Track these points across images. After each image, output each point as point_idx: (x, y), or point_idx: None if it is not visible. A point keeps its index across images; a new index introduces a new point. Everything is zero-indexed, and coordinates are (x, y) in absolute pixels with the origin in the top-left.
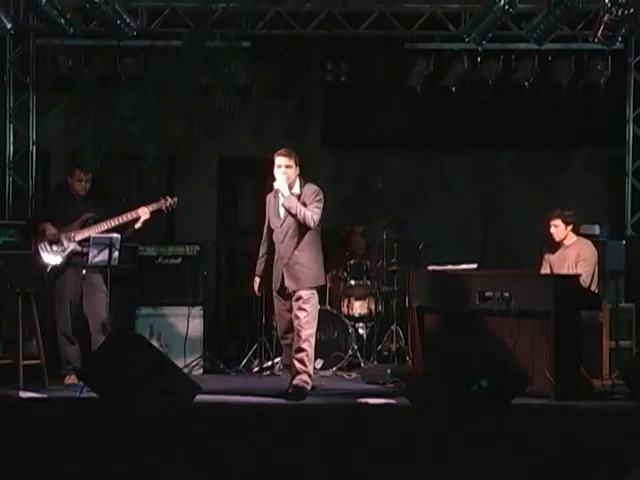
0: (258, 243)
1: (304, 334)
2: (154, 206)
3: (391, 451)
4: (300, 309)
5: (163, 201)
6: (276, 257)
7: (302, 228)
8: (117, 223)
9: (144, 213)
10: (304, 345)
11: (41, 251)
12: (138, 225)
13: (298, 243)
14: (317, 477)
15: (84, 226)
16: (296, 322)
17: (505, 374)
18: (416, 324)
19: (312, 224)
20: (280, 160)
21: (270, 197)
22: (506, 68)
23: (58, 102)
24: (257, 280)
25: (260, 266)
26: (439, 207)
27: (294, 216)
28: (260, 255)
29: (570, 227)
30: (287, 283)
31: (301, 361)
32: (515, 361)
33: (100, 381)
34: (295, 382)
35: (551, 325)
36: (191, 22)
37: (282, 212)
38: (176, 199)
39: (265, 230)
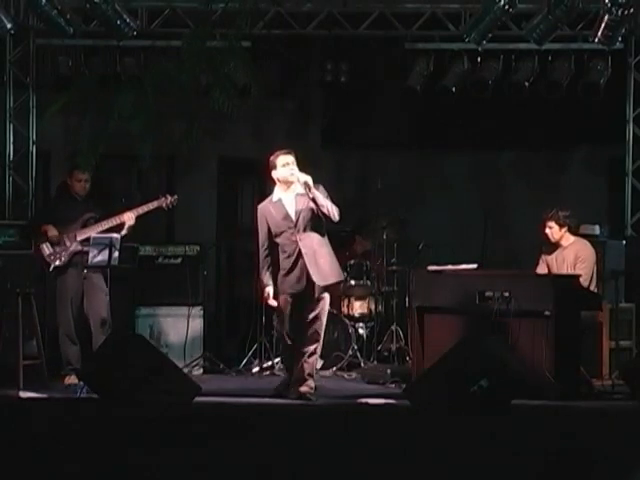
0: (258, 243)
1: (320, 338)
2: (154, 204)
3: (391, 451)
4: (322, 311)
5: (163, 199)
6: (291, 260)
7: (316, 223)
8: (103, 228)
9: (129, 219)
10: (319, 350)
11: (43, 252)
12: (123, 232)
13: (318, 238)
14: (317, 477)
15: (85, 226)
16: (316, 325)
17: (505, 374)
18: (416, 324)
19: (337, 217)
20: (288, 158)
21: (266, 205)
22: (506, 68)
23: (55, 100)
24: (271, 290)
25: (269, 276)
26: (439, 207)
27: (320, 208)
28: (267, 267)
29: (565, 229)
30: (315, 278)
31: (312, 365)
32: (515, 361)
33: (100, 381)
34: (303, 389)
35: (551, 325)
36: (191, 22)
37: (293, 211)
38: (176, 197)
39: (266, 241)
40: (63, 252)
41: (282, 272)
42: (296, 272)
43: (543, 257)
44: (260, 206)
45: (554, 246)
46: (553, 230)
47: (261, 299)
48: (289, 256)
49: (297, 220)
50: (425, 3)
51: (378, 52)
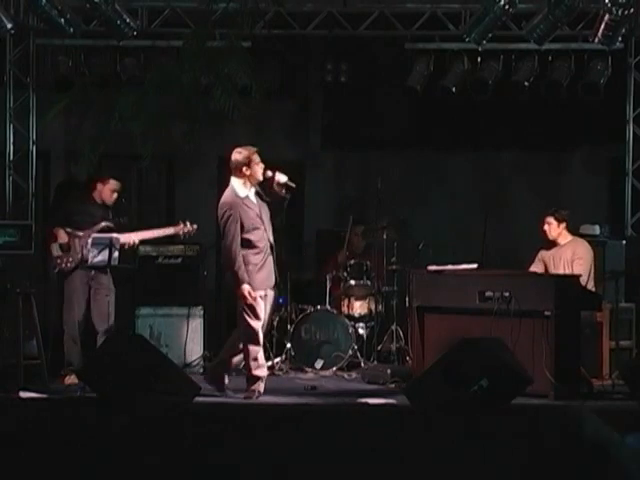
0: (232, 239)
1: None
2: (170, 230)
3: (391, 451)
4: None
5: (182, 226)
6: (262, 256)
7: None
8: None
9: (128, 240)
10: None
11: (52, 253)
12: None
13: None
14: (317, 477)
15: (100, 232)
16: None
17: (505, 374)
18: (416, 324)
19: None
20: (259, 157)
21: (236, 200)
22: (506, 68)
23: (57, 102)
24: (250, 288)
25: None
26: (439, 207)
27: (284, 209)
28: (241, 263)
29: (563, 225)
30: (275, 274)
31: None
32: (515, 361)
33: (100, 381)
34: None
35: (551, 325)
36: (191, 22)
37: (258, 207)
38: (195, 226)
39: (239, 235)
40: (71, 258)
41: (253, 268)
42: (267, 268)
43: (540, 255)
44: (230, 201)
45: (552, 244)
46: (551, 226)
47: (244, 299)
48: (261, 252)
49: (265, 217)
50: (425, 3)
51: (378, 52)
